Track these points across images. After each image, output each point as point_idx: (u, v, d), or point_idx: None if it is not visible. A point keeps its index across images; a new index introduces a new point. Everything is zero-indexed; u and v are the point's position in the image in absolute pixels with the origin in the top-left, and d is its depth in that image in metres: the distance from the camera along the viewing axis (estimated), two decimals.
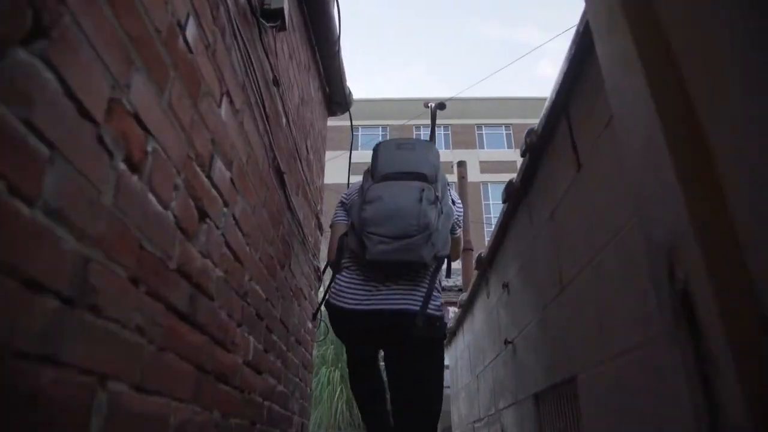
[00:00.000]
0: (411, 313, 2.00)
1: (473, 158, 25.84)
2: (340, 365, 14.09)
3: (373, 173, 2.21)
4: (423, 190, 2.08)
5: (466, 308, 3.86)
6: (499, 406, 2.90)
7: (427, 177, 2.14)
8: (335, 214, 2.37)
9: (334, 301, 2.11)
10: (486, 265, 3.02)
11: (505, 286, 2.67)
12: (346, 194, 2.41)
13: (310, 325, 3.17)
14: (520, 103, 30.39)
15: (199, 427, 1.32)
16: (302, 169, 2.79)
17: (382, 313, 2.01)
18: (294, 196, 2.60)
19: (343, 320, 2.12)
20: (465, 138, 30.35)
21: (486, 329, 3.27)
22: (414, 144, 2.30)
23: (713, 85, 0.60)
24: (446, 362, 6.35)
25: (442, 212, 2.11)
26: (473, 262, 5.19)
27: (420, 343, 2.05)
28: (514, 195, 2.31)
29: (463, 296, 3.87)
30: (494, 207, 28.99)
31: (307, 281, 3.06)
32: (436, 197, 2.11)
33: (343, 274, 2.15)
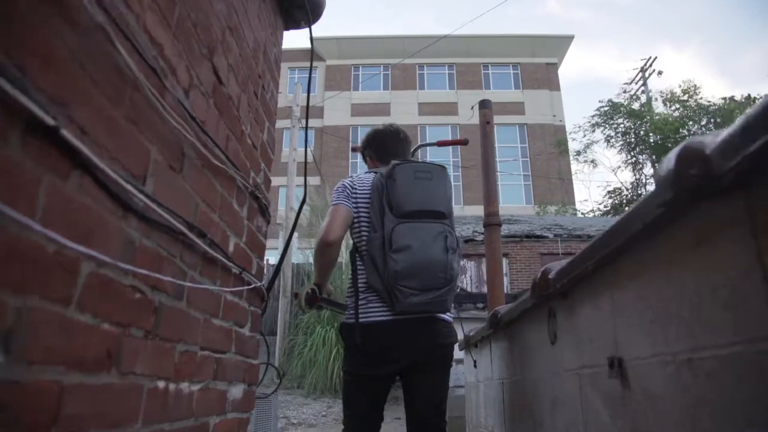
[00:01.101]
0: (440, 319, 2.15)
1: (476, 100, 23.86)
2: (335, 324, 13.02)
3: (391, 203, 2.12)
4: (446, 237, 2.12)
5: (499, 327, 2.45)
6: None
7: (445, 214, 2.18)
8: (337, 197, 2.25)
9: (368, 319, 2.08)
10: (556, 294, 1.59)
11: (615, 364, 1.25)
12: (350, 184, 2.27)
13: (239, 392, 1.76)
14: (529, 41, 28.32)
15: None
16: (195, 115, 1.32)
17: (419, 320, 2.08)
18: (165, 171, 1.14)
19: (379, 335, 2.06)
20: (470, 78, 28.49)
21: (547, 404, 1.85)
22: (430, 172, 2.22)
23: None
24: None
25: (459, 255, 2.20)
26: (498, 240, 3.72)
27: (444, 353, 2.19)
28: (703, 168, 0.84)
29: (501, 310, 2.43)
30: (500, 150, 27.33)
31: (222, 334, 1.63)
32: (456, 242, 2.17)
33: (367, 295, 2.12)
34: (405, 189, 2.12)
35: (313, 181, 24.51)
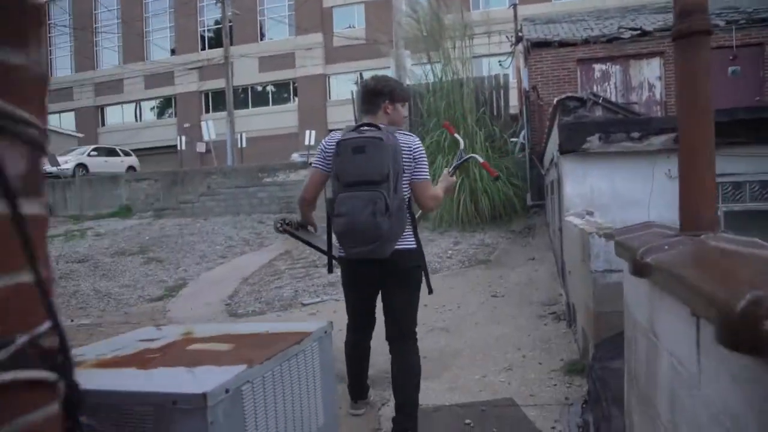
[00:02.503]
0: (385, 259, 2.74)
1: None
2: (455, 152, 11.58)
3: (337, 174, 2.72)
4: (375, 203, 2.57)
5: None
6: None
7: (379, 181, 2.60)
8: (314, 161, 2.94)
9: (339, 253, 2.90)
10: None
11: None
12: (324, 146, 2.90)
13: None
14: None
15: None
16: None
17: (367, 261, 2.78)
18: None
19: (347, 263, 2.89)
20: None
21: None
22: (364, 147, 2.65)
23: None
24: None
25: (393, 209, 2.62)
26: (705, 71, 1.74)
27: (398, 278, 2.87)
28: None
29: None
30: None
31: None
32: (386, 205, 2.58)
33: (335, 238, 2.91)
34: (344, 164, 2.68)
35: None
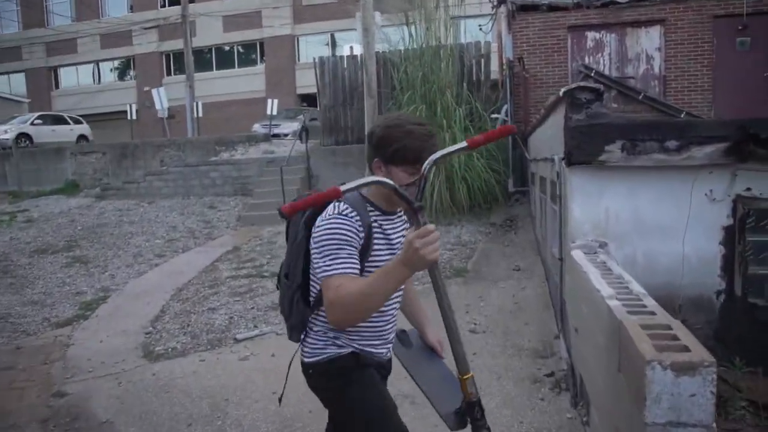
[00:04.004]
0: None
1: None
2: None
3: None
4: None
5: None
6: None
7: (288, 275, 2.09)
8: None
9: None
10: None
11: None
12: None
13: None
14: None
15: None
16: None
17: None
18: None
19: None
20: None
21: None
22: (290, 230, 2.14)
23: None
24: None
25: (283, 295, 2.13)
26: None
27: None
28: None
29: None
30: None
31: None
32: (291, 297, 2.08)
33: None
34: None
35: None
